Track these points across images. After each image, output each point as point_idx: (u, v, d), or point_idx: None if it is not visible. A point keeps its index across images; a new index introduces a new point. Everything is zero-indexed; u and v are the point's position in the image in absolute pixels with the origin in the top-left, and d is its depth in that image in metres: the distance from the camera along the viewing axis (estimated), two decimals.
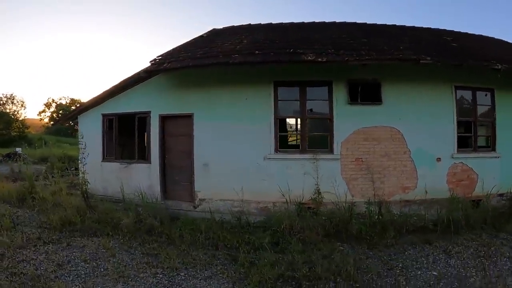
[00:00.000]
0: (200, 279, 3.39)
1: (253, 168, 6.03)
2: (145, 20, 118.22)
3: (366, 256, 3.92)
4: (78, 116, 7.65)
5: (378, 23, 8.56)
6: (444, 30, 8.02)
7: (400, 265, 3.68)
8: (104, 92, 7.07)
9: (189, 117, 6.38)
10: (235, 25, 8.91)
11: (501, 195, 5.33)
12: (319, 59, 5.08)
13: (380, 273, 3.46)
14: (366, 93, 5.82)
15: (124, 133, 7.23)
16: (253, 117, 6.08)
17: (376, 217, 4.96)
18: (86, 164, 6.47)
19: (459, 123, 5.73)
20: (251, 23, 8.86)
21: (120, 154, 7.19)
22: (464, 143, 5.89)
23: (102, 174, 7.11)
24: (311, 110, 6.11)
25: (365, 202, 5.55)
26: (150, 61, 5.95)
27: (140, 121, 6.92)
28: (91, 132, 7.32)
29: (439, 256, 3.92)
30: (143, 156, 6.87)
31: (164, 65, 5.55)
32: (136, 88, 6.88)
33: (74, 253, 3.98)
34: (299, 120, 6.69)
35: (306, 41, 6.17)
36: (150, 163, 6.66)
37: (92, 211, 5.55)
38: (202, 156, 6.27)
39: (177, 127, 6.55)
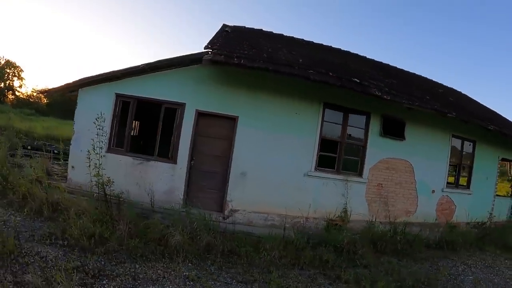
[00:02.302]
0: None
1: (293, 182, 6.12)
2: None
3: (419, 267, 4.75)
4: (80, 90, 5.93)
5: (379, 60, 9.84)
6: (426, 78, 9.82)
7: (447, 273, 4.67)
8: (123, 69, 5.75)
9: (232, 119, 5.91)
10: (245, 26, 8.63)
11: (468, 223, 7.08)
12: (384, 96, 5.58)
13: (442, 279, 4.40)
14: (393, 129, 6.69)
15: (141, 122, 6.05)
16: (300, 132, 6.14)
17: (400, 236, 5.84)
18: (98, 154, 5.03)
19: (450, 164, 7.27)
20: (263, 29, 8.75)
21: (133, 147, 5.99)
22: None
23: (105, 168, 5.76)
24: (349, 135, 6.58)
25: (380, 222, 6.42)
26: (208, 48, 5.22)
27: (167, 112, 5.94)
28: (93, 113, 5.80)
29: (462, 266, 5.13)
30: (166, 153, 5.93)
31: (235, 60, 4.97)
32: (168, 73, 5.88)
33: None
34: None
35: (354, 70, 6.60)
36: (175, 164, 5.84)
37: (119, 221, 4.50)
38: (240, 164, 5.92)
39: (215, 128, 5.96)
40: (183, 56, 5.73)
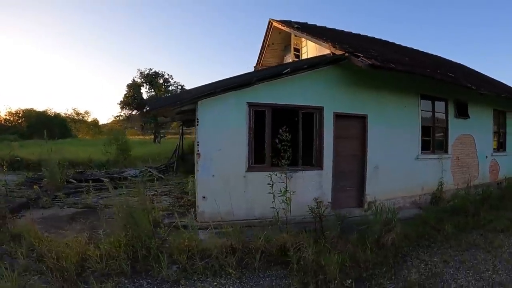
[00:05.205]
0: None
1: (408, 168, 6.97)
2: None
3: None
4: (199, 103, 5.24)
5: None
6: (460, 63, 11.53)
7: None
8: (254, 73, 5.52)
9: (363, 118, 6.31)
10: (308, 23, 8.89)
11: (507, 178, 9.02)
12: (473, 87, 6.94)
13: None
14: (461, 110, 7.98)
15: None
16: (409, 122, 6.97)
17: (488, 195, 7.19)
18: (287, 176, 4.68)
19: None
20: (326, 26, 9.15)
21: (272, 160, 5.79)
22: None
23: (245, 190, 5.42)
24: (436, 119, 7.60)
25: (457, 188, 7.69)
26: (343, 50, 5.41)
27: (305, 117, 5.94)
28: (221, 129, 5.33)
29: None
30: (310, 161, 5.97)
31: (388, 64, 5.35)
32: (298, 77, 5.82)
33: None
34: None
35: (436, 65, 7.57)
36: (322, 169, 5.99)
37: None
38: (373, 159, 6.46)
39: (347, 128, 6.29)
40: (319, 56, 5.80)
